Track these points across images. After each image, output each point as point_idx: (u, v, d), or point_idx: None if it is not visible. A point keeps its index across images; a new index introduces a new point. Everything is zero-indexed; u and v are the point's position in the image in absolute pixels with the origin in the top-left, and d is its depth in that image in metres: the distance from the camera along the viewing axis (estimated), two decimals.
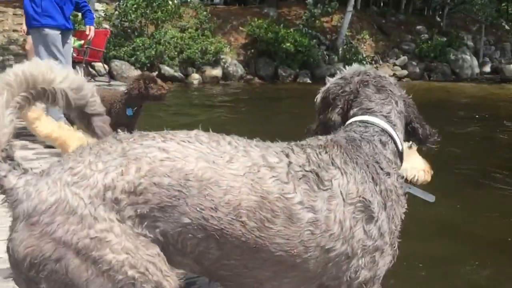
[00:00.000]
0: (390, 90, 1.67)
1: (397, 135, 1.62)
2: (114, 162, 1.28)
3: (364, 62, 18.32)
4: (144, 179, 1.27)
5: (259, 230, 1.33)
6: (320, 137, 1.55)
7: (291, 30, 17.17)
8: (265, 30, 16.46)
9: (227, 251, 1.34)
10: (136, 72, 12.66)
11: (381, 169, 1.50)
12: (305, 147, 1.47)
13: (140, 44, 14.43)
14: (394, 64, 19.23)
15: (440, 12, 22.98)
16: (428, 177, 2.19)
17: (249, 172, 1.34)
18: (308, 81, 16.43)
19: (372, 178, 1.46)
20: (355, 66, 1.81)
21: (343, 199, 1.40)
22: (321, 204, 1.37)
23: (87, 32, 5.87)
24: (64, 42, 5.23)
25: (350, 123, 1.62)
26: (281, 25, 17.25)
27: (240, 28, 17.62)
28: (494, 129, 9.50)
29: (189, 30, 15.97)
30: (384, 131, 1.59)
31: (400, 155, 1.62)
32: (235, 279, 1.42)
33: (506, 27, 24.38)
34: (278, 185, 1.35)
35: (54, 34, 5.03)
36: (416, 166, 2.19)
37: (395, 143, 1.60)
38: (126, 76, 12.86)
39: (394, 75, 18.78)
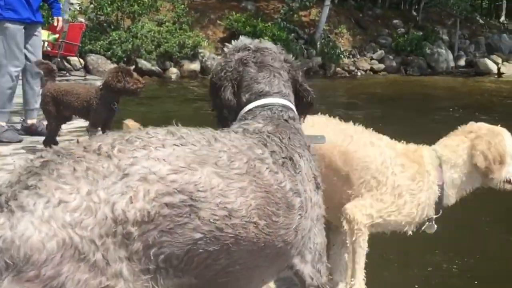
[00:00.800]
0: (270, 64, 1.64)
1: (293, 104, 1.65)
2: (117, 187, 1.07)
3: (342, 56, 18.44)
4: (155, 201, 1.10)
5: (268, 226, 1.29)
6: (261, 122, 1.52)
7: (269, 24, 17.15)
8: (243, 24, 16.40)
9: (235, 257, 1.26)
10: (113, 66, 12.48)
11: (305, 143, 1.56)
12: (270, 135, 1.46)
13: (117, 38, 14.21)
14: (371, 58, 19.41)
15: (416, 6, 23.25)
16: None
17: (249, 168, 1.28)
18: None
19: (308, 154, 1.53)
20: (242, 38, 1.77)
21: (307, 179, 1.45)
22: (301, 187, 1.40)
23: (55, 23, 5.72)
24: (31, 34, 5.09)
25: (251, 109, 1.58)
26: (259, 19, 17.21)
27: (218, 21, 17.52)
28: (467, 121, 9.65)
29: (167, 23, 15.79)
30: (285, 106, 1.59)
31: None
32: (232, 283, 1.37)
33: (480, 21, 24.82)
34: (273, 176, 1.33)
35: (15, 29, 4.90)
36: None
37: (294, 113, 1.63)
38: (102, 70, 12.67)
39: (371, 69, 18.99)
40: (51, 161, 1.09)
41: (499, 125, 2.42)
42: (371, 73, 18.87)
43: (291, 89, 1.67)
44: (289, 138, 1.48)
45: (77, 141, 1.20)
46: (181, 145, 1.21)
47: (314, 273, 1.50)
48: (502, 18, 26.19)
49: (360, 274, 2.31)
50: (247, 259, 1.30)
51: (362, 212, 2.25)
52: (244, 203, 1.23)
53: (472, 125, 2.42)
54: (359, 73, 18.51)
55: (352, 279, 2.31)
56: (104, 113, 4.27)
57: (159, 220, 1.11)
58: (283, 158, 1.40)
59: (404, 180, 2.27)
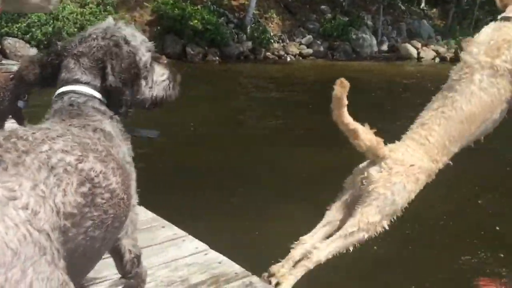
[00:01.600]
0: (75, 53, 1.56)
1: (94, 89, 1.54)
2: (51, 180, 1.08)
3: (272, 41, 18.59)
4: (76, 193, 1.12)
5: (128, 199, 1.36)
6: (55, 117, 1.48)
7: (199, 7, 16.91)
8: (172, 7, 16.05)
9: (108, 238, 1.30)
10: (32, 51, 11.85)
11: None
12: (77, 117, 1.44)
13: (36, 20, 13.44)
14: (300, 43, 19.71)
15: None
16: None
17: (105, 149, 1.33)
18: (217, 59, 16.38)
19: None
20: (106, 21, 1.68)
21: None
22: (128, 157, 1.52)
23: None
24: None
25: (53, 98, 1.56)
26: (188, 1, 16.91)
27: (145, 3, 17.01)
28: (384, 105, 10.16)
29: (90, 5, 15.13)
30: (78, 93, 1.52)
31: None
32: (94, 264, 1.41)
33: (402, 7, 25.88)
34: (115, 151, 1.40)
35: None
36: None
37: (95, 97, 1.55)
38: (21, 54, 11.96)
39: (300, 53, 19.30)
40: None
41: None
42: (300, 58, 19.19)
43: (96, 75, 1.54)
44: (90, 112, 1.46)
45: None
46: (62, 135, 1.22)
47: (132, 244, 1.60)
48: (422, 5, 27.40)
49: None
50: (113, 236, 1.37)
51: None
52: (116, 182, 1.28)
53: None
54: (288, 58, 18.76)
55: None
56: (11, 107, 3.98)
57: (75, 211, 1.11)
58: (104, 133, 1.42)
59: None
